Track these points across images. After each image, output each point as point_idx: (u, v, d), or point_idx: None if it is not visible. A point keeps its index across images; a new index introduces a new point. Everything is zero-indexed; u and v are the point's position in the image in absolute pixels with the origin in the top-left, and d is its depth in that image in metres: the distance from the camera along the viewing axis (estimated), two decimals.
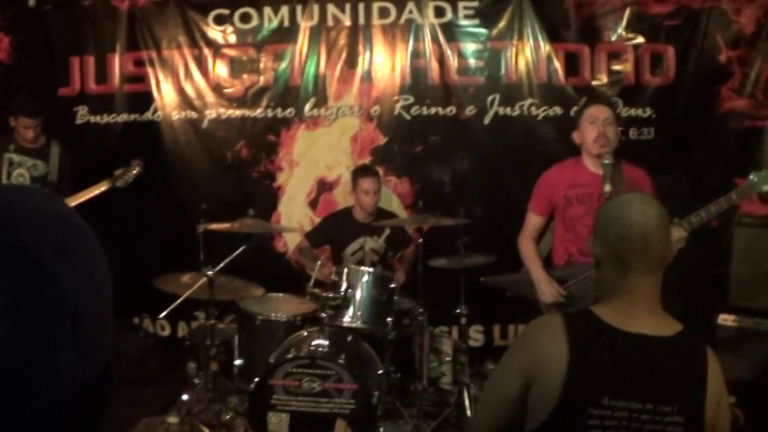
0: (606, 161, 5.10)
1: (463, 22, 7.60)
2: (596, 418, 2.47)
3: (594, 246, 2.74)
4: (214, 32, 7.91)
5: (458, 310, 6.50)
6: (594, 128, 5.40)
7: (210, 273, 5.72)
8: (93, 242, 1.16)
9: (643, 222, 2.60)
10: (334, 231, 7.24)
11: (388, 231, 7.10)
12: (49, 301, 1.02)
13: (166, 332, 8.08)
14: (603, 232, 2.69)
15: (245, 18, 7.86)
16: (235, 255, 5.90)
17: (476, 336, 7.57)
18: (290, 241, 7.90)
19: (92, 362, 1.10)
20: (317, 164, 7.91)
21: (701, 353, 2.58)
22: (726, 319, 6.43)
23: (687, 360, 2.56)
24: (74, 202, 6.86)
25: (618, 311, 2.60)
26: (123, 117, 8.07)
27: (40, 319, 1.01)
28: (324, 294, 5.97)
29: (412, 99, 7.67)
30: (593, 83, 7.48)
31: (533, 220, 5.83)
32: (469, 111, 7.60)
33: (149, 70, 7.99)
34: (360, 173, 7.17)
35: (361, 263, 6.96)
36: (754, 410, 5.73)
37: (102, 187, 6.89)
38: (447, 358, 7.11)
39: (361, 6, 7.70)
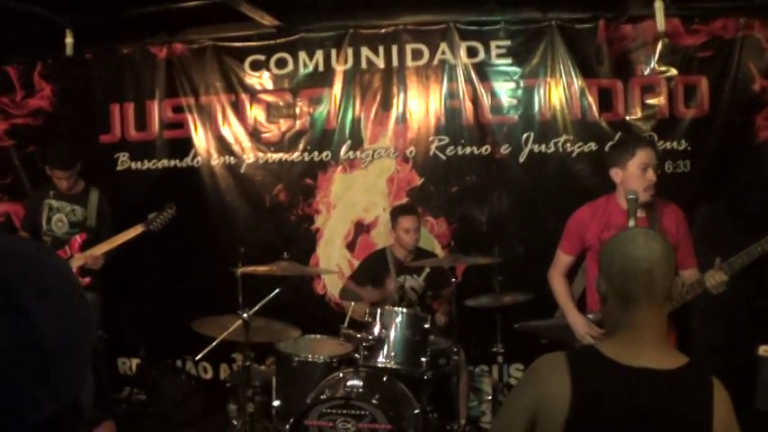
0: (631, 196, 5.04)
1: (496, 62, 7.62)
2: None
3: (599, 282, 2.75)
4: (251, 78, 8.04)
5: (494, 349, 6.50)
6: (646, 176, 5.24)
7: (245, 315, 5.77)
8: (73, 290, 1.24)
9: (647, 257, 2.61)
10: (374, 270, 7.25)
11: (427, 270, 7.11)
12: (22, 339, 1.10)
13: (209, 374, 8.13)
14: (608, 268, 2.71)
15: (281, 63, 7.98)
16: (269, 298, 5.94)
17: (516, 374, 7.48)
18: (329, 283, 7.96)
19: (62, 395, 1.17)
20: (355, 206, 7.96)
21: (706, 385, 2.57)
22: (767, 351, 6.36)
23: (692, 393, 2.55)
24: (110, 245, 6.97)
25: (622, 346, 2.61)
26: (163, 163, 8.24)
27: (13, 353, 1.09)
28: (358, 335, 5.99)
29: (447, 139, 7.69)
30: (628, 117, 7.43)
31: (564, 259, 5.77)
32: (504, 149, 7.59)
33: (188, 116, 8.16)
34: (400, 211, 7.21)
35: (400, 300, 6.97)
36: None
37: (137, 231, 6.99)
38: (487, 397, 7.10)
39: (395, 49, 7.77)
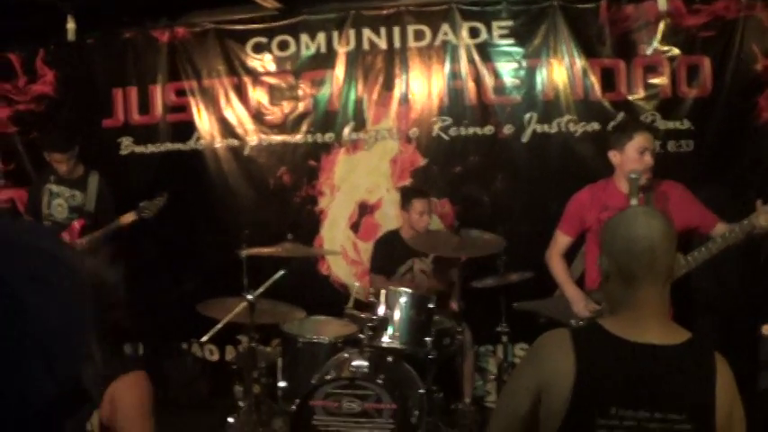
0: (633, 176, 5.10)
1: (498, 42, 7.58)
2: (605, 428, 2.50)
3: (602, 260, 2.76)
4: (253, 61, 8.04)
5: (498, 329, 6.52)
6: (644, 159, 5.33)
7: (250, 297, 5.79)
8: (71, 274, 1.24)
9: (648, 235, 2.62)
10: (387, 254, 7.27)
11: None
12: (16, 326, 1.10)
13: (215, 357, 8.14)
14: (610, 247, 2.72)
15: (283, 46, 7.97)
16: (274, 279, 5.95)
17: (521, 353, 7.44)
18: (333, 264, 7.99)
19: (62, 381, 1.18)
20: (358, 187, 7.95)
21: (709, 360, 2.59)
22: None
23: (695, 367, 2.57)
24: (104, 233, 7.01)
25: (625, 323, 2.63)
26: (167, 146, 8.25)
27: (9, 340, 1.10)
28: (362, 316, 6.02)
29: (450, 120, 7.68)
30: (630, 97, 7.40)
31: (562, 240, 5.87)
32: (507, 130, 7.57)
33: (191, 100, 8.16)
34: (414, 194, 7.20)
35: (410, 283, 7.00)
36: None
37: (129, 219, 7.04)
38: (492, 377, 7.13)
39: (397, 30, 7.75)
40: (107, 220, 7.13)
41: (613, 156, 5.52)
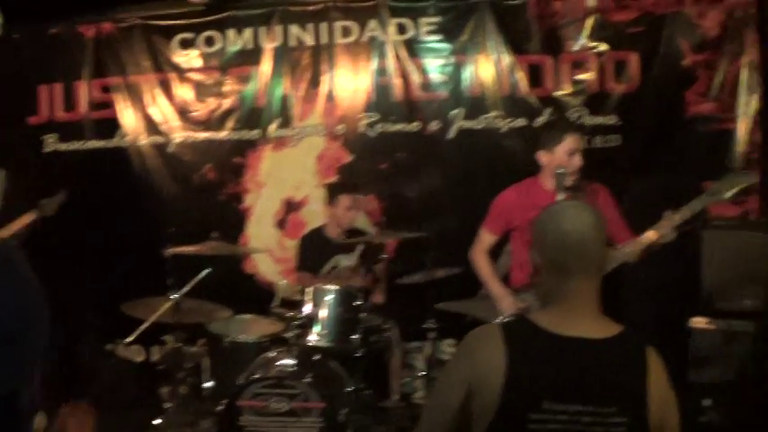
0: (559, 171, 5.12)
1: (425, 38, 7.61)
2: (537, 422, 2.50)
3: (533, 255, 2.77)
4: (179, 57, 7.98)
5: (426, 325, 6.50)
6: (572, 161, 5.37)
7: (175, 296, 5.74)
8: (10, 276, 1.18)
9: (579, 228, 2.63)
10: (312, 251, 7.20)
11: (362, 248, 7.08)
12: None
13: (141, 357, 8.01)
14: (541, 241, 2.72)
15: (210, 42, 7.92)
16: (199, 278, 5.91)
17: (449, 350, 7.48)
18: (259, 262, 7.94)
19: None
20: (284, 184, 7.92)
21: (640, 353, 2.60)
22: (698, 323, 6.41)
23: (626, 360, 2.58)
24: (6, 233, 6.85)
25: (556, 317, 2.63)
26: (92, 144, 8.11)
27: None
28: (289, 314, 5.97)
29: (377, 116, 7.68)
30: (557, 93, 7.45)
31: (487, 238, 5.87)
32: (434, 126, 7.59)
33: (116, 96, 8.05)
34: (340, 189, 7.16)
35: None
36: (730, 413, 5.74)
37: (30, 217, 6.89)
38: (419, 373, 7.12)
39: (324, 26, 7.74)
40: (17, 217, 6.99)
41: (542, 156, 5.55)
